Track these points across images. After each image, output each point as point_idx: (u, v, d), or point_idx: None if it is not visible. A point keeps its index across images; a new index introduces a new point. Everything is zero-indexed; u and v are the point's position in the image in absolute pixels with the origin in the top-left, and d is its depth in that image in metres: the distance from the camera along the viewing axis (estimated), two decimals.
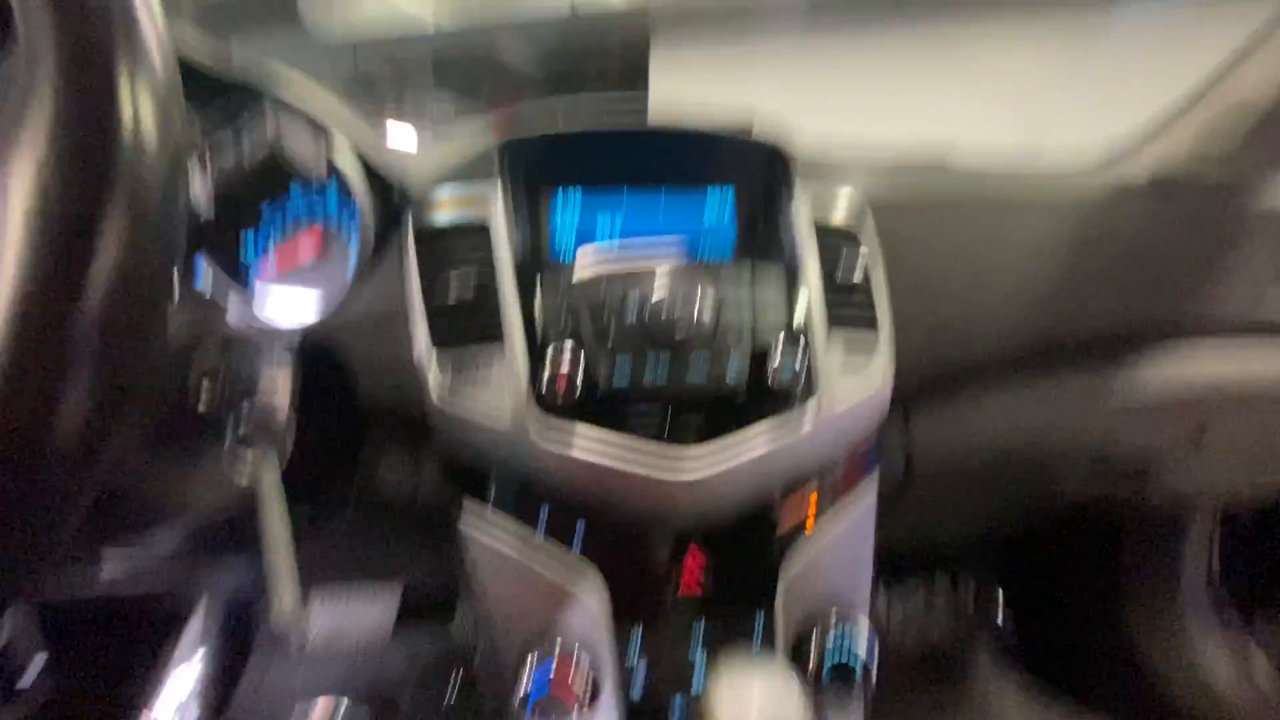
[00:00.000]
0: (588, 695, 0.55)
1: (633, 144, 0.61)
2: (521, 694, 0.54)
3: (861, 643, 0.58)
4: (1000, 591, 1.32)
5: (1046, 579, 1.28)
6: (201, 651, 1.26)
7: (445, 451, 0.56)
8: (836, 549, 0.61)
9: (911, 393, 0.60)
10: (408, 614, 1.17)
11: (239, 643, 1.31)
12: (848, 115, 2.38)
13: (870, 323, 0.57)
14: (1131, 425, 0.70)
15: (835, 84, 2.59)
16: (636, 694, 0.58)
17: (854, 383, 0.56)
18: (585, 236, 0.60)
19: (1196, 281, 0.63)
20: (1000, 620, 1.30)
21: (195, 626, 1.26)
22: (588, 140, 0.60)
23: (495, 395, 0.52)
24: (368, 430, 0.57)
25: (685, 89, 2.73)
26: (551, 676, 0.55)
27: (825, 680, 0.56)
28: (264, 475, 0.44)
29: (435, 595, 1.20)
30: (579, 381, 0.51)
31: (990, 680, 1.21)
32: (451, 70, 3.03)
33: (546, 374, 0.50)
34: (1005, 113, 2.26)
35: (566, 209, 0.60)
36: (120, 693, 1.18)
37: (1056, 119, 2.02)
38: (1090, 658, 1.18)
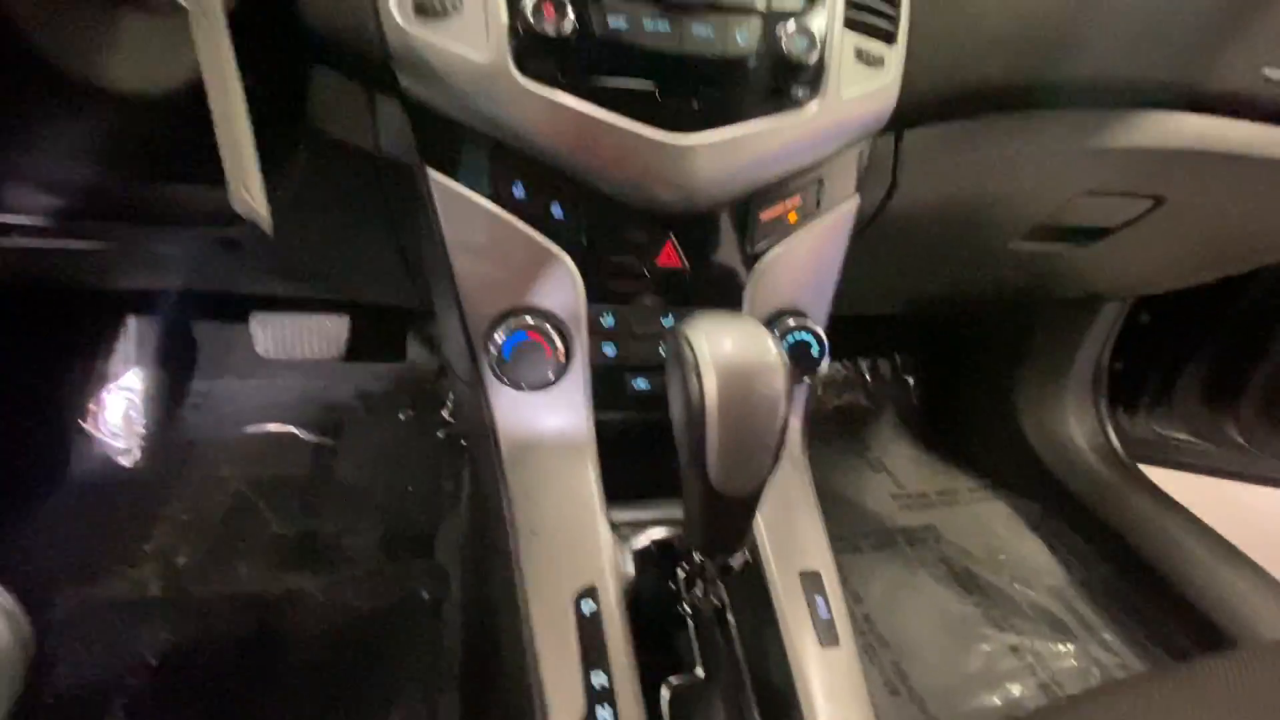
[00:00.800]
0: (563, 354, 0.58)
1: None
2: (498, 344, 0.57)
3: (819, 334, 0.63)
4: (913, 366, 1.47)
5: (955, 360, 1.42)
6: (139, 369, 1.24)
7: (407, 96, 0.50)
8: (807, 263, 0.63)
9: (908, 116, 0.60)
10: (359, 338, 1.17)
11: (181, 360, 1.30)
12: None
13: (888, 36, 0.55)
14: (1089, 201, 0.73)
15: None
16: (607, 358, 0.61)
17: (864, 78, 0.54)
18: None
19: (1208, 47, 0.62)
20: (909, 392, 1.45)
21: (131, 337, 1.23)
22: None
23: (469, 21, 0.46)
24: (315, 62, 0.50)
25: None
26: (526, 336, 0.57)
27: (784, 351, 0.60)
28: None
29: (387, 318, 1.21)
30: (569, 12, 0.46)
31: (890, 441, 1.38)
32: None
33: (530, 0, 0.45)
34: None
35: None
36: (53, 401, 1.16)
37: None
38: (978, 427, 1.36)
